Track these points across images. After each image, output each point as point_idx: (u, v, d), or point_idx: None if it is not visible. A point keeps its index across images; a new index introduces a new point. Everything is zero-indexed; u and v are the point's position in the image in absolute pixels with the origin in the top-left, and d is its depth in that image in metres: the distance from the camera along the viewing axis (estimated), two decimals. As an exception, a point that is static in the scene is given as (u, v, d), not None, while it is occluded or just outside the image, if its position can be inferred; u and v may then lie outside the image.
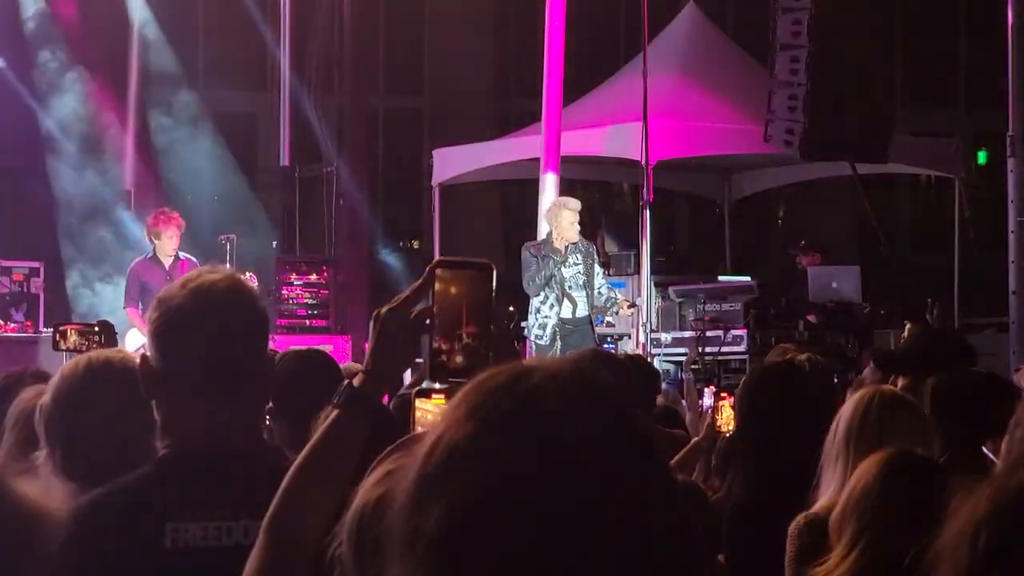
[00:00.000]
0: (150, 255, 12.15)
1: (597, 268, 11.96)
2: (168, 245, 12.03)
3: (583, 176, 17.80)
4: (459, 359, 2.29)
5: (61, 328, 5.97)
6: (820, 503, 4.02)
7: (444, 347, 2.29)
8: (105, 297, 15.05)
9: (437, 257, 2.36)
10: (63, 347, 5.86)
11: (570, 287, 11.71)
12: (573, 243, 11.70)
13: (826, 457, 4.20)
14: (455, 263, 2.33)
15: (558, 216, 11.72)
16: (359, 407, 2.33)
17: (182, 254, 12.13)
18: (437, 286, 2.30)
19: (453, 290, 2.30)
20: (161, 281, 12.05)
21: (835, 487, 4.03)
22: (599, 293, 11.92)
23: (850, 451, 4.09)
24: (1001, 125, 13.46)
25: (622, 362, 5.10)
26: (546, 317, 11.68)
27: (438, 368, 2.30)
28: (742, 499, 4.66)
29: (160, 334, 2.76)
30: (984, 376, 5.00)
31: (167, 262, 12.04)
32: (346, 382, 2.35)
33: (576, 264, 11.71)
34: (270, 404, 4.31)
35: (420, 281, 2.32)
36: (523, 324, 12.05)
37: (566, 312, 11.69)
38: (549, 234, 11.77)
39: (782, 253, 17.77)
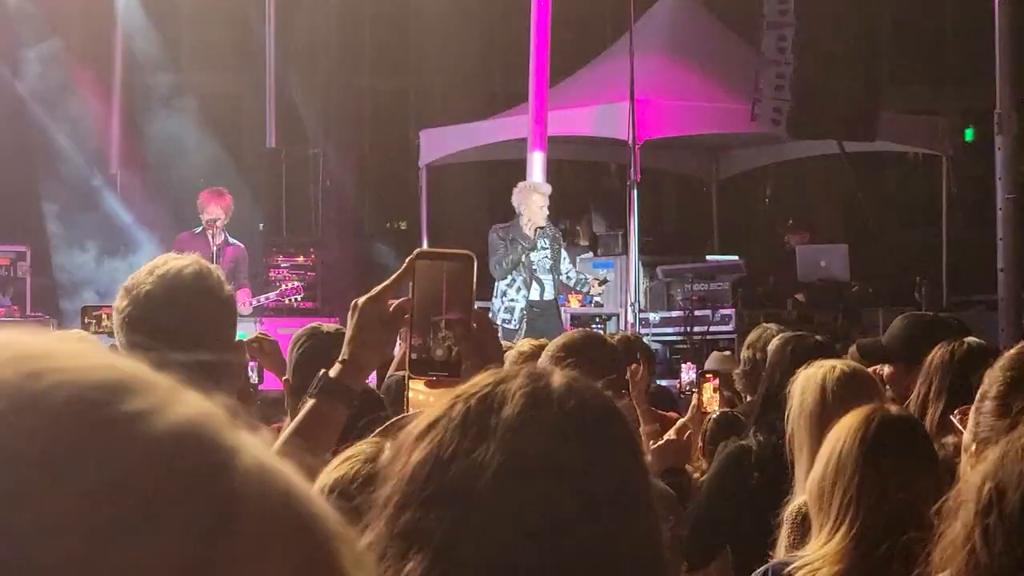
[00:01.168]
0: (198, 230, 11.99)
1: (564, 253, 11.96)
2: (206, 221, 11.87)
3: (570, 156, 17.77)
4: (439, 353, 2.25)
5: (95, 313, 5.84)
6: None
7: (423, 341, 2.25)
8: (97, 281, 15.00)
9: (419, 247, 2.33)
10: (96, 331, 5.74)
11: (536, 270, 11.68)
12: (541, 227, 11.66)
13: (791, 444, 4.14)
14: (435, 254, 2.29)
15: (528, 199, 11.67)
16: (336, 397, 2.31)
17: (232, 239, 11.95)
18: (417, 277, 2.25)
19: (433, 282, 2.24)
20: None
21: (804, 475, 3.95)
22: (567, 277, 11.96)
23: (814, 437, 3.99)
24: (988, 102, 13.45)
25: (613, 344, 5.08)
26: (513, 300, 11.64)
27: (417, 362, 2.26)
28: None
29: (129, 321, 2.75)
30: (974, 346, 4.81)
31: (213, 241, 11.82)
32: (322, 371, 2.33)
33: (544, 248, 11.69)
34: (287, 378, 4.31)
35: (400, 271, 2.28)
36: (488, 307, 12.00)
37: (534, 295, 11.67)
38: (518, 217, 11.71)
39: (770, 232, 17.76)
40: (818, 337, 5.57)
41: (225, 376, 2.83)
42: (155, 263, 2.81)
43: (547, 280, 11.70)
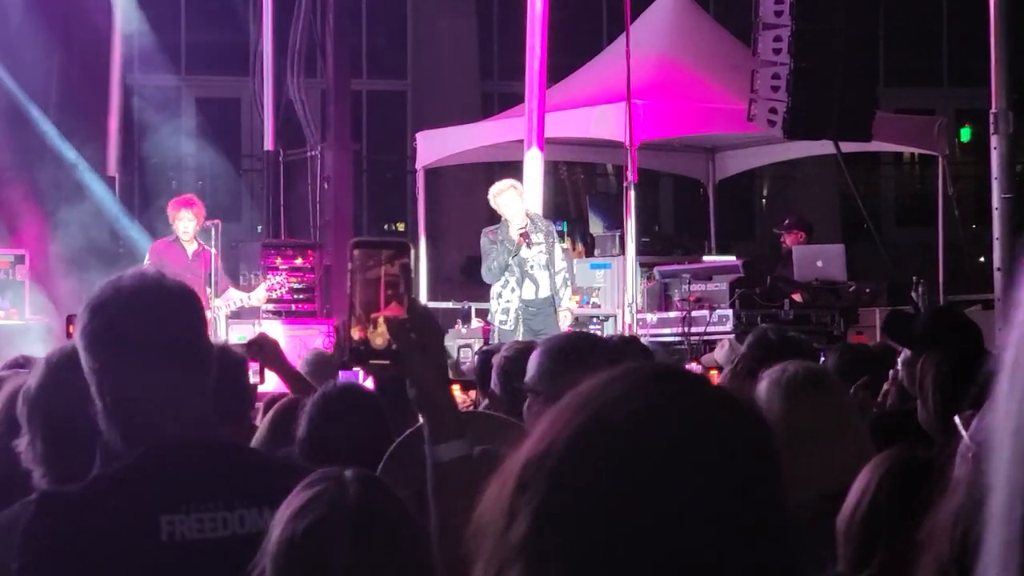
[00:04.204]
0: (171, 238, 12.28)
1: (558, 250, 11.90)
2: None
3: (567, 157, 17.80)
4: (379, 341, 2.26)
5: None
6: None
7: (363, 329, 2.27)
8: (95, 285, 14.97)
9: (355, 238, 2.35)
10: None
11: (532, 267, 11.61)
12: (530, 222, 11.59)
13: None
14: (372, 243, 2.31)
15: (500, 201, 11.64)
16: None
17: (206, 245, 12.17)
18: (355, 269, 2.27)
19: (370, 271, 2.27)
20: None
21: None
22: (558, 275, 11.80)
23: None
24: (984, 102, 13.47)
25: (610, 345, 5.08)
26: (507, 301, 11.56)
27: (358, 351, 2.27)
28: None
29: (93, 336, 2.71)
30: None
31: (186, 248, 12.10)
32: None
33: (538, 243, 11.61)
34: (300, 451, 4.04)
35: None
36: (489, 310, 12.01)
37: (528, 293, 11.57)
38: (504, 220, 11.68)
39: (767, 232, 17.78)
40: (789, 333, 5.48)
41: (201, 380, 2.77)
42: (115, 277, 2.79)
43: (542, 277, 11.62)
